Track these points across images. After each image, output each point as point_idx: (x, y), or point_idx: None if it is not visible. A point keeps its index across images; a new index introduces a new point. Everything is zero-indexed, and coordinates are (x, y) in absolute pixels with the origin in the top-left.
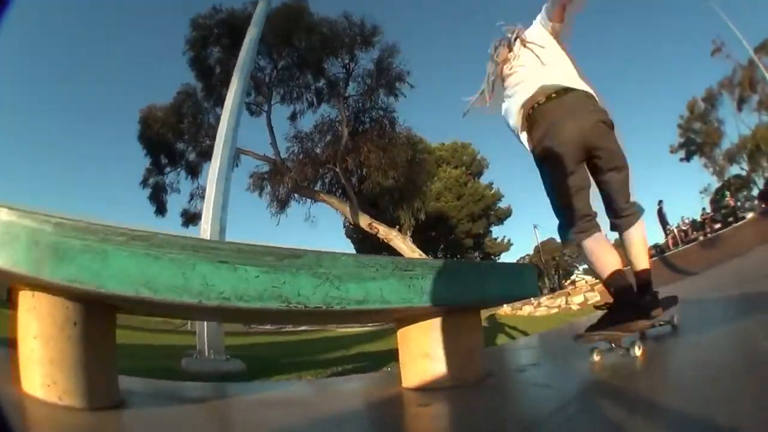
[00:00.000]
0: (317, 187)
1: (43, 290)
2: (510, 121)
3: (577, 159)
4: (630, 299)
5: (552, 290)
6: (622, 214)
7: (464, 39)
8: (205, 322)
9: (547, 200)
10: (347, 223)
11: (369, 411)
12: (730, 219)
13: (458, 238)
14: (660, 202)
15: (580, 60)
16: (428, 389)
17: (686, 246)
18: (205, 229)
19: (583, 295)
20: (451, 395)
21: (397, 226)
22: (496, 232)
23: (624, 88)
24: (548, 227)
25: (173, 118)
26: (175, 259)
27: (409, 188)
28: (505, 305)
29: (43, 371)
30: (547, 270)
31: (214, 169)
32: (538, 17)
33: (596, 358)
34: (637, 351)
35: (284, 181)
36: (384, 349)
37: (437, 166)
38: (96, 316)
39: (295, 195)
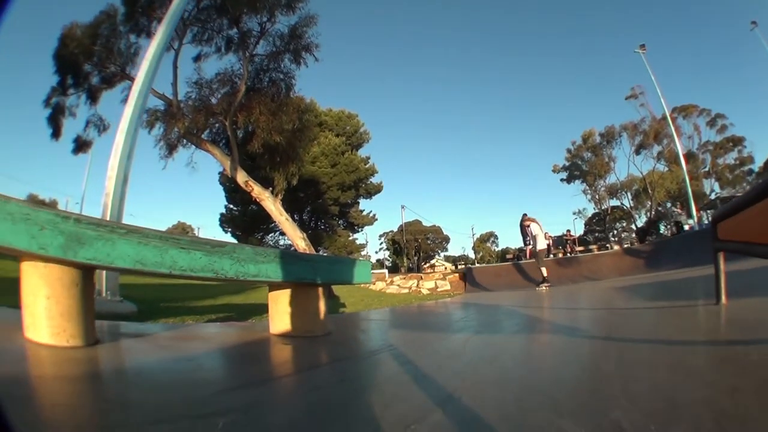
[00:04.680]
0: (204, 136)
1: (55, 262)
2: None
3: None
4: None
5: (410, 270)
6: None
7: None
8: None
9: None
10: (223, 171)
11: (252, 346)
12: (593, 246)
13: (325, 204)
14: (524, 215)
15: None
16: (288, 336)
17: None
18: (110, 177)
19: (435, 281)
20: (303, 341)
21: (270, 188)
22: (364, 205)
23: (534, 107)
24: (415, 209)
25: (88, 38)
26: (157, 245)
27: (288, 153)
28: None
29: (53, 323)
30: (408, 250)
31: (126, 116)
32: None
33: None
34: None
35: (178, 127)
36: (243, 303)
37: (320, 131)
38: (88, 278)
39: (184, 140)
